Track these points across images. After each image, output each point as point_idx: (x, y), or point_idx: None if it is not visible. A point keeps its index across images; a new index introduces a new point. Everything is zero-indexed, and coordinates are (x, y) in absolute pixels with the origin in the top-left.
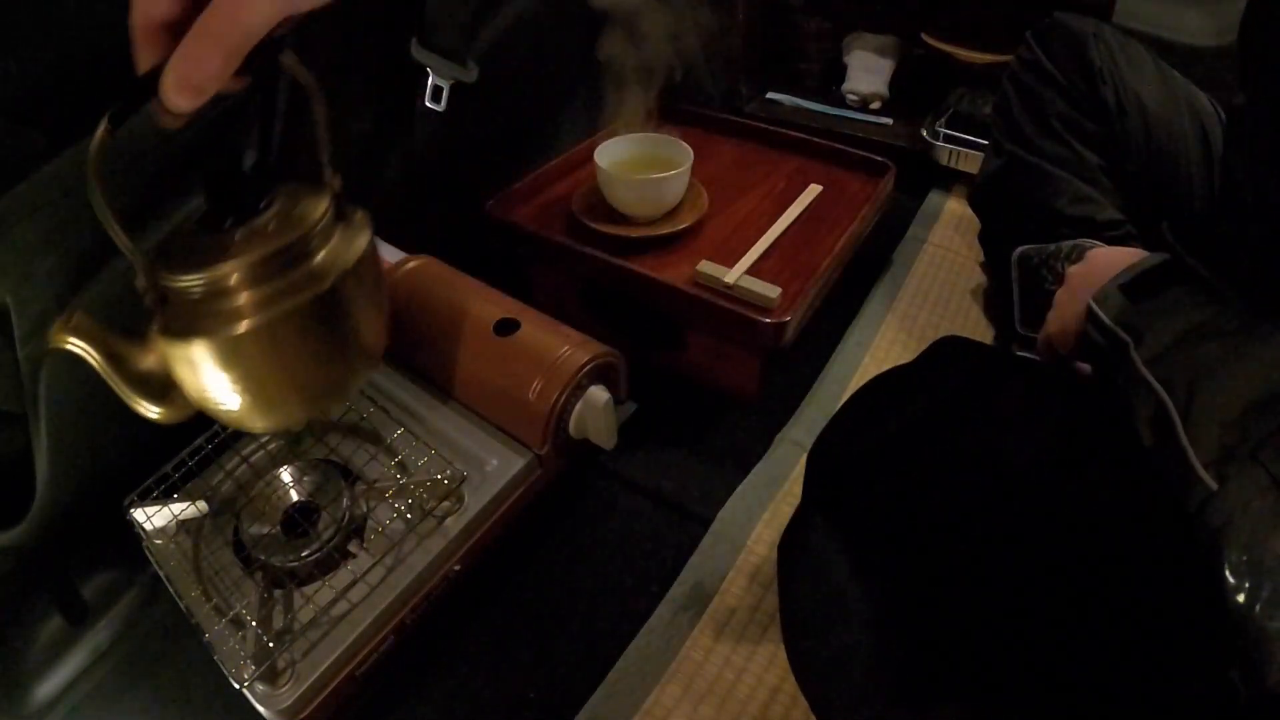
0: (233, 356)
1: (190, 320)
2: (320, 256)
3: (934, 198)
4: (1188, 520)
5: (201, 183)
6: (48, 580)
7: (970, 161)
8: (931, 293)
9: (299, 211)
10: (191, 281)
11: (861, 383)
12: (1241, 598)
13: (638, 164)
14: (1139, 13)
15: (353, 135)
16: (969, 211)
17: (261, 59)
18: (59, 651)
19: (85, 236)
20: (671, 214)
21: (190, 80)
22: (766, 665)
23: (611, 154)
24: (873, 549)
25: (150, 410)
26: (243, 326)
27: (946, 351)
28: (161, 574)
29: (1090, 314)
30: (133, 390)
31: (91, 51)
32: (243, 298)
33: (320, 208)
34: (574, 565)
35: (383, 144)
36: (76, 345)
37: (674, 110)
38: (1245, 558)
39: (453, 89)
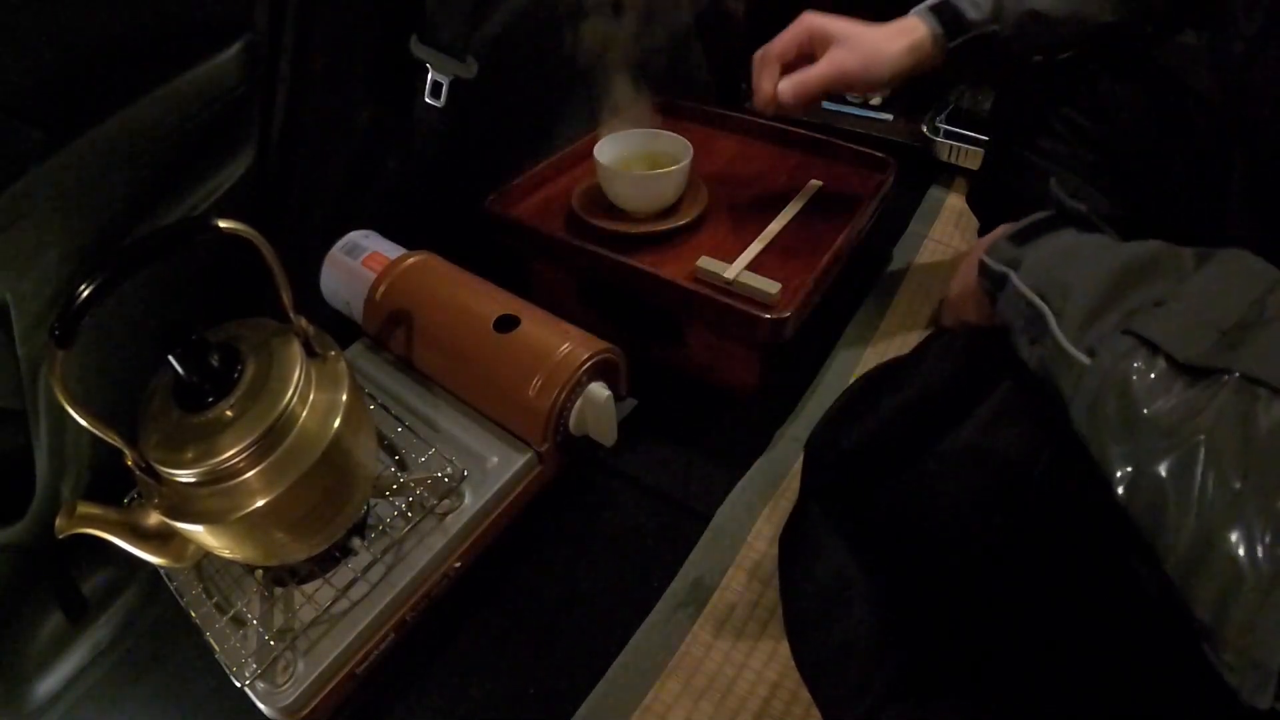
0: (240, 530)
1: (192, 503)
2: (310, 413)
3: (934, 194)
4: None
5: (171, 363)
6: (48, 577)
7: (971, 157)
8: (932, 288)
9: (275, 370)
10: (190, 475)
11: None
12: (1121, 490)
13: (638, 160)
14: None
15: (353, 132)
16: (969, 208)
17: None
18: (59, 649)
19: (85, 234)
20: (671, 210)
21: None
22: (766, 661)
23: (611, 150)
24: (869, 540)
25: (163, 562)
26: (248, 509)
27: (942, 345)
28: (162, 572)
29: (980, 264)
30: (143, 549)
31: (91, 47)
32: (244, 480)
33: (294, 359)
34: (574, 561)
35: (382, 140)
36: (84, 530)
37: (674, 106)
38: (1121, 441)
39: (452, 85)
